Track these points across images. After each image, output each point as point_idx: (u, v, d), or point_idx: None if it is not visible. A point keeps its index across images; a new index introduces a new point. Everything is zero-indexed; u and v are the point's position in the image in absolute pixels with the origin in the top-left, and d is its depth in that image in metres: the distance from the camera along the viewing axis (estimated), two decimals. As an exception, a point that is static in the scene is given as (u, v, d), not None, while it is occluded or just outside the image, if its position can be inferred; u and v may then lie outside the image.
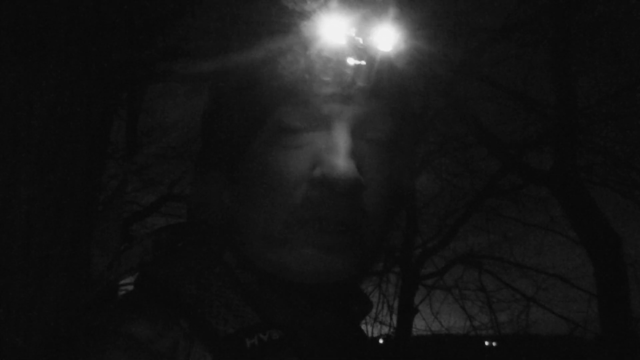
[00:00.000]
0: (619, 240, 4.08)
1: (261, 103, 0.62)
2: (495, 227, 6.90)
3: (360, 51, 0.61)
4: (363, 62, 0.60)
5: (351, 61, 0.60)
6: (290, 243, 0.60)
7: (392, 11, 0.62)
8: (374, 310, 6.93)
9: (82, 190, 0.58)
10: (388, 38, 0.61)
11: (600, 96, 5.17)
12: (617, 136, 5.32)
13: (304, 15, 0.61)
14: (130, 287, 0.67)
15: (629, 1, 4.62)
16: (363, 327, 0.79)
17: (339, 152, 0.59)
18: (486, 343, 8.01)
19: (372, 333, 7.24)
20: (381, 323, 7.22)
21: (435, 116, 6.16)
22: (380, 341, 7.43)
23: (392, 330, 7.22)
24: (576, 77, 4.54)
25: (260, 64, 0.63)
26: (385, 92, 0.62)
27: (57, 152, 0.55)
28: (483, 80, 5.10)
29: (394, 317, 7.19)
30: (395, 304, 7.22)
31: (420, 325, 7.53)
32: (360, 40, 0.60)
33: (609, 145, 5.30)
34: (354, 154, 0.60)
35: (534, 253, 9.11)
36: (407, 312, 7.06)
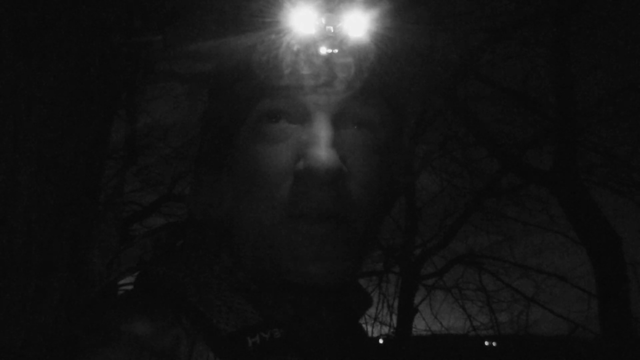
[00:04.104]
0: (619, 240, 4.08)
1: (244, 97, 0.63)
2: (495, 227, 6.87)
3: (332, 39, 0.60)
4: (335, 51, 0.60)
5: (323, 50, 0.60)
6: (281, 242, 0.60)
7: None
8: (374, 310, 6.94)
9: (82, 190, 0.58)
10: (359, 24, 0.61)
11: (600, 96, 5.17)
12: (617, 136, 5.33)
13: (273, 8, 0.61)
14: (130, 287, 0.66)
15: (629, 1, 4.62)
16: (363, 327, 0.79)
17: (320, 143, 0.59)
18: (486, 343, 8.00)
19: (372, 333, 7.24)
20: (381, 323, 7.22)
21: (435, 116, 6.16)
22: (380, 341, 7.42)
23: (392, 330, 7.21)
24: (576, 77, 4.54)
25: (239, 59, 0.64)
26: (364, 78, 0.62)
27: (57, 152, 0.55)
28: (483, 80, 5.10)
29: (394, 317, 7.20)
30: (395, 304, 7.22)
31: (420, 325, 7.53)
32: (331, 29, 0.60)
33: (609, 145, 5.31)
34: (336, 143, 0.60)
35: (534, 253, 9.10)
36: (407, 312, 7.06)
